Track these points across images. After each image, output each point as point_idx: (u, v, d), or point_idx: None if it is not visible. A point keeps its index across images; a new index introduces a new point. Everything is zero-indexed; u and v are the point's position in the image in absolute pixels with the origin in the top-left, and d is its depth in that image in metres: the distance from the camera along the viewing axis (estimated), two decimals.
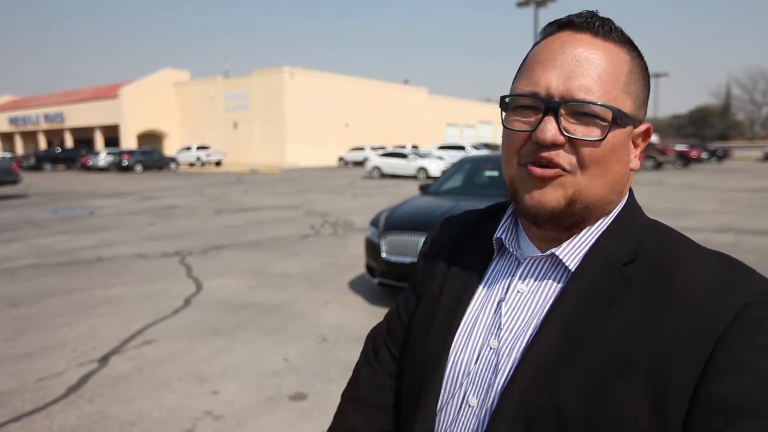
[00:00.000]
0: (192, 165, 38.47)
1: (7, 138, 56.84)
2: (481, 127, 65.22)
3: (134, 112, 44.35)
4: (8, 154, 34.85)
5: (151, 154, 34.72)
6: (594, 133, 0.64)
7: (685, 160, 35.11)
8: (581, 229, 0.70)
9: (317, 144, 42.92)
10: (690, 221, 10.57)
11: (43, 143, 51.85)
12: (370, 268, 5.34)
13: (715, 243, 8.26)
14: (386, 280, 5.05)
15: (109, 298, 5.50)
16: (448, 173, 6.78)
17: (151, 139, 46.51)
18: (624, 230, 0.70)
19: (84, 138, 48.94)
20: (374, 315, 4.82)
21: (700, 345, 0.58)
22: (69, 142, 49.52)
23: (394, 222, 5.14)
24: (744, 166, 37.56)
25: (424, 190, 6.46)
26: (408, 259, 4.85)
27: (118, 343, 4.23)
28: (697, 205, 13.29)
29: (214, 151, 39.11)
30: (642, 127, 0.71)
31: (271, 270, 6.72)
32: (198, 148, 38.84)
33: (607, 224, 0.71)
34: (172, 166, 35.42)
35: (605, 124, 0.64)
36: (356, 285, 5.89)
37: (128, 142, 43.69)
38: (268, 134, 41.79)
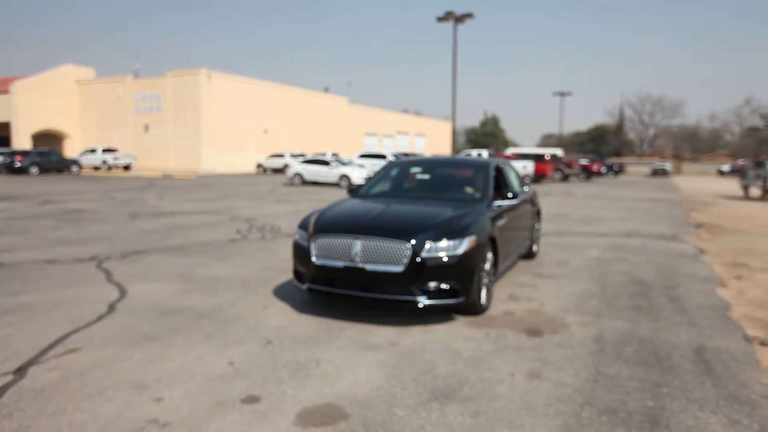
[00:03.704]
0: (97, 168, 35.85)
1: None
2: (399, 137, 66.46)
3: (29, 110, 40.57)
4: None
5: (48, 156, 31.88)
6: None
7: (587, 173, 37.88)
8: None
9: (235, 150, 41.60)
10: (601, 227, 11.38)
11: None
12: (298, 274, 4.99)
13: (627, 246, 8.94)
14: (316, 286, 4.70)
15: (18, 306, 4.94)
16: (377, 176, 6.61)
17: (48, 140, 42.73)
18: None
19: None
20: (316, 317, 4.71)
21: None
22: None
23: (324, 224, 4.85)
24: (636, 180, 41.24)
25: (354, 192, 6.26)
26: (340, 264, 4.51)
27: (36, 353, 3.80)
28: (604, 213, 14.35)
29: (122, 155, 36.67)
30: None
31: (200, 274, 6.37)
32: (104, 150, 36.28)
33: None
34: (74, 169, 32.72)
35: None
36: (293, 288, 5.73)
37: (21, 141, 39.84)
38: (183, 138, 39.89)
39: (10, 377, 3.39)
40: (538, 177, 29.98)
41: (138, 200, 15.84)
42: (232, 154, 41.22)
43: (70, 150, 42.41)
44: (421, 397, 3.20)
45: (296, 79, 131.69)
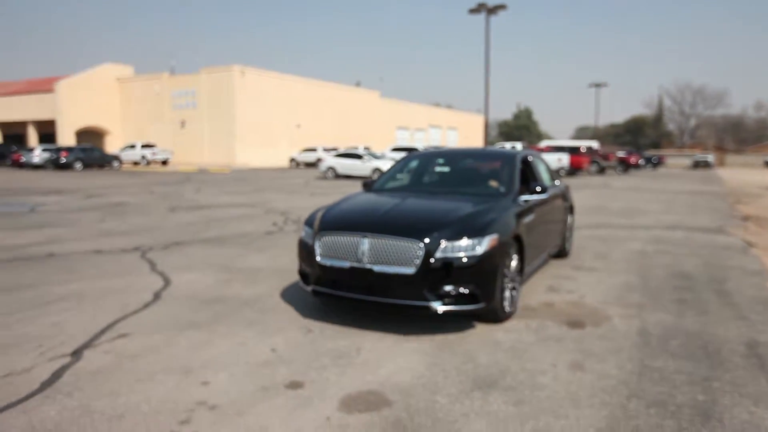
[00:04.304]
0: (136, 164, 36.92)
1: None
2: (432, 130, 66.13)
3: (72, 108, 42.03)
4: None
5: (91, 152, 33.03)
6: None
7: (625, 165, 36.91)
8: None
9: (268, 144, 42.17)
10: (641, 219, 11.10)
11: None
12: (303, 275, 4.63)
13: (670, 239, 8.70)
14: (321, 288, 4.32)
15: (69, 294, 5.15)
16: (393, 169, 6.17)
17: (91, 136, 44.21)
18: None
19: (15, 133, 45.93)
20: (355, 305, 4.75)
21: None
22: None
23: (330, 221, 4.44)
24: (677, 172, 39.95)
25: (368, 186, 5.84)
26: (346, 264, 4.11)
27: (89, 337, 3.96)
28: (644, 205, 13.98)
29: (160, 150, 37.67)
30: None
31: (239, 265, 6.51)
32: (143, 146, 37.33)
33: None
34: (115, 164, 33.82)
35: None
36: None
37: (66, 138, 41.34)
38: (218, 133, 40.68)
39: (68, 359, 3.54)
40: (574, 170, 29.39)
41: (176, 194, 16.25)
42: (265, 148, 41.81)
43: (111, 146, 43.77)
44: (464, 386, 3.20)
45: (328, 73, 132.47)
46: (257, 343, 3.90)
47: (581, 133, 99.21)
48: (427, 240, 3.94)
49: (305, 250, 4.50)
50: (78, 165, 31.21)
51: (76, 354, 3.64)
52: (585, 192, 18.28)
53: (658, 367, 3.48)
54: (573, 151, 30.52)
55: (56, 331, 4.08)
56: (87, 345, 3.80)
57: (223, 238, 8.39)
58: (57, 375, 3.29)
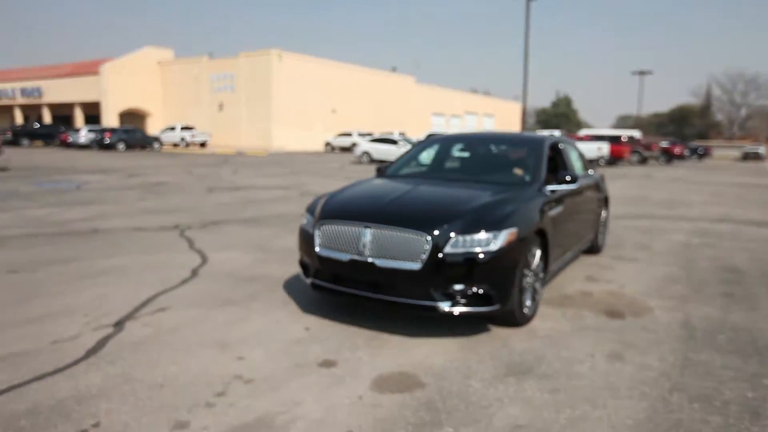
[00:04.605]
0: (176, 145, 37.76)
1: None
2: (467, 117, 65.31)
3: (116, 90, 43.24)
4: None
5: (134, 133, 33.98)
6: None
7: (668, 156, 35.67)
8: None
9: (304, 128, 42.47)
10: (685, 211, 10.71)
11: (19, 118, 50.29)
12: (303, 266, 4.30)
13: (716, 232, 8.37)
14: (320, 282, 3.98)
15: (112, 268, 5.32)
16: (409, 153, 5.72)
17: (133, 118, 45.44)
18: None
19: (63, 114, 47.59)
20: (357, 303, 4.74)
21: None
22: (47, 117, 48.13)
23: (332, 208, 4.09)
24: (724, 164, 38.33)
25: (382, 171, 5.44)
26: (346, 257, 3.74)
27: (131, 309, 4.08)
28: (688, 197, 13.48)
29: (199, 132, 38.44)
30: None
31: (275, 245, 6.58)
32: (182, 128, 38.14)
33: None
34: (156, 145, 34.71)
35: None
36: None
37: (109, 119, 42.62)
38: (255, 117, 41.19)
39: (110, 330, 3.66)
40: (614, 159, 28.56)
41: (214, 175, 16.56)
42: (301, 132, 42.13)
43: (152, 128, 44.89)
44: (498, 371, 3.15)
45: (364, 59, 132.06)
46: (292, 321, 3.94)
47: (622, 122, 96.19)
48: (435, 232, 3.55)
49: (305, 240, 4.15)
50: (121, 145, 32.15)
51: (119, 325, 3.75)
52: (625, 182, 17.76)
53: (703, 361, 3.35)
54: (613, 140, 29.64)
55: (100, 303, 4.22)
56: (128, 317, 3.92)
57: (260, 219, 8.50)
58: (101, 344, 3.41)
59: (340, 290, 3.86)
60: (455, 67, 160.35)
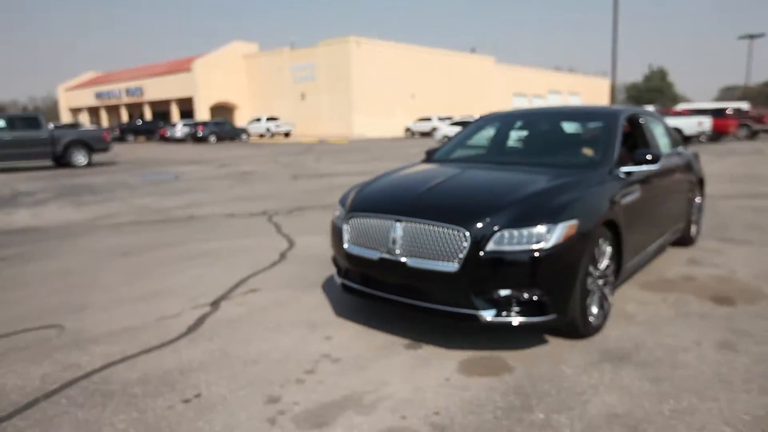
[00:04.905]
0: (262, 136, 39.42)
1: (93, 111, 60.38)
2: (551, 96, 62.63)
3: (206, 85, 45.79)
4: (95, 127, 37.04)
5: (223, 125, 35.88)
6: None
7: None
8: None
9: (383, 115, 42.74)
10: None
11: (125, 116, 54.75)
12: (336, 264, 3.86)
13: None
14: (350, 283, 3.56)
15: (208, 251, 5.65)
16: (460, 135, 5.11)
17: (222, 111, 47.98)
18: None
19: (161, 110, 51.21)
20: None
21: None
22: (148, 114, 51.99)
23: (362, 200, 3.63)
24: None
25: (430, 155, 4.89)
26: (375, 255, 3.28)
27: (225, 290, 4.31)
28: None
29: (283, 122, 39.86)
30: None
31: None
32: (267, 119, 39.71)
33: None
34: (243, 136, 36.47)
35: None
36: None
37: (202, 113, 45.27)
38: (335, 105, 42.00)
39: (208, 308, 3.89)
40: (717, 135, 26.16)
41: (298, 163, 17.10)
42: (381, 119, 42.44)
43: (240, 119, 47.16)
44: (591, 357, 3.00)
45: (442, 41, 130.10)
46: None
47: (726, 94, 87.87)
48: (476, 226, 2.99)
49: (335, 235, 3.71)
50: (212, 138, 34.10)
51: (215, 304, 3.98)
52: (733, 159, 16.23)
53: None
54: (717, 113, 27.11)
55: (198, 283, 4.49)
56: (223, 297, 4.14)
57: None
58: (200, 321, 3.63)
59: (369, 293, 3.41)
60: (537, 44, 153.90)
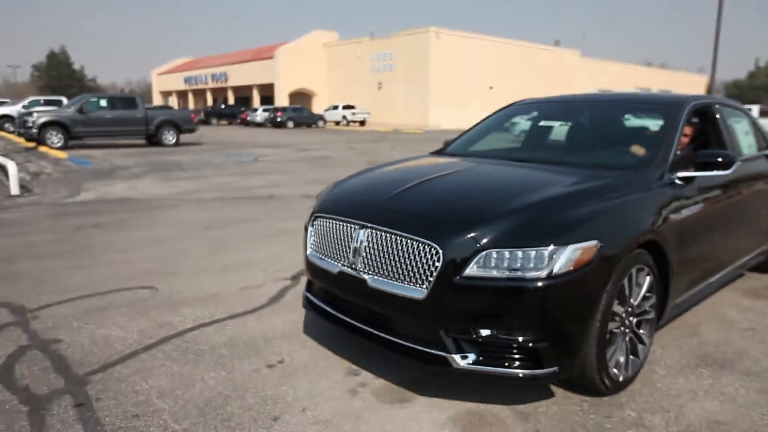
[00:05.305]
0: (338, 123, 40.10)
1: (182, 95, 63.93)
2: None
3: (287, 72, 47.11)
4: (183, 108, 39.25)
5: (301, 112, 36.84)
6: None
7: None
8: None
9: (459, 106, 42.18)
10: None
11: (210, 100, 57.57)
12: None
13: None
14: (311, 296, 2.94)
15: (286, 229, 5.81)
16: (484, 124, 4.29)
17: (300, 98, 49.24)
18: None
19: (243, 96, 53.34)
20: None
21: None
22: (231, 99, 54.35)
23: (331, 198, 2.99)
24: None
25: (445, 146, 4.17)
26: (336, 267, 2.61)
27: (302, 266, 4.41)
28: None
29: (359, 111, 40.32)
30: None
31: None
32: (344, 107, 40.30)
33: None
34: (320, 123, 37.28)
35: None
36: None
37: (281, 100, 46.69)
38: (412, 95, 41.93)
39: (288, 282, 4.01)
40: None
41: (373, 150, 17.25)
42: (456, 110, 41.91)
43: (317, 107, 48.21)
44: (686, 361, 2.80)
45: (526, 33, 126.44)
46: None
47: None
48: (456, 240, 2.25)
49: (304, 238, 3.07)
50: (290, 123, 35.11)
51: (294, 278, 4.09)
52: None
53: None
54: None
55: (277, 258, 4.64)
56: (301, 272, 4.24)
57: None
58: (281, 293, 3.75)
59: (329, 313, 2.76)
60: (627, 38, 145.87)
